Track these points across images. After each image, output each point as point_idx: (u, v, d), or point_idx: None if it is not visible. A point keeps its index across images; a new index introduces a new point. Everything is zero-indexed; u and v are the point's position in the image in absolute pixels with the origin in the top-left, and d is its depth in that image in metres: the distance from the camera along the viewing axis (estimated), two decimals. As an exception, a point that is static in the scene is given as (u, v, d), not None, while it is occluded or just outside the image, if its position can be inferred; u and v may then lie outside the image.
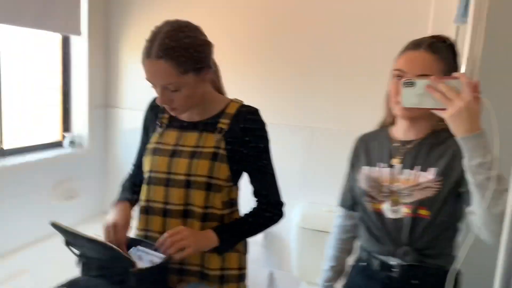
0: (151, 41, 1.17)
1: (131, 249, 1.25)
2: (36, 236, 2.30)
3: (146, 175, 1.33)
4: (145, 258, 1.21)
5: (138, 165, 1.45)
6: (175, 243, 1.17)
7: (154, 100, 1.43)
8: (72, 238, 1.16)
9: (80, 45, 2.60)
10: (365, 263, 1.35)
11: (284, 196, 2.47)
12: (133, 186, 1.44)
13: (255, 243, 2.39)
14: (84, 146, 2.67)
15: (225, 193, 1.32)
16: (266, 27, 2.38)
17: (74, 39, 2.60)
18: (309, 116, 2.36)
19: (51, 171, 2.43)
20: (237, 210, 1.40)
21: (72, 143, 2.60)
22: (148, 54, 1.17)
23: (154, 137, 1.36)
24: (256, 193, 1.38)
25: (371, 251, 1.32)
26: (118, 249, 1.11)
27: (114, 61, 2.76)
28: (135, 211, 1.39)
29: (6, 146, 2.22)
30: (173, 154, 1.30)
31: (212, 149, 1.28)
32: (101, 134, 2.79)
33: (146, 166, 1.33)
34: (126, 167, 1.53)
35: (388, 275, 1.27)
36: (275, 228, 2.42)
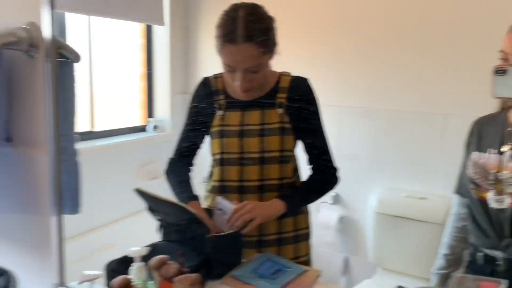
0: (231, 26, 1.18)
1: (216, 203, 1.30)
2: (124, 212, 2.45)
3: (216, 157, 1.38)
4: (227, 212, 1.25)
5: (187, 145, 1.48)
6: (241, 216, 1.20)
7: (204, 82, 1.44)
8: (155, 204, 1.23)
9: (162, 34, 2.72)
10: (471, 258, 1.30)
11: (361, 181, 2.42)
12: (186, 178, 1.45)
13: (331, 227, 2.38)
14: (166, 130, 2.80)
15: (293, 162, 1.40)
16: (344, 5, 2.34)
17: (156, 29, 2.73)
18: (387, 99, 2.27)
19: (137, 153, 2.57)
20: (299, 176, 1.46)
21: (155, 127, 2.74)
22: (232, 39, 1.17)
23: (216, 120, 1.38)
24: (311, 160, 1.41)
25: (477, 245, 1.26)
26: (197, 214, 1.15)
27: (193, 49, 2.86)
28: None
29: (96, 128, 2.39)
30: (242, 134, 1.33)
31: (278, 124, 1.32)
32: (182, 119, 2.89)
33: (215, 149, 1.38)
34: (202, 151, 1.53)
35: (493, 269, 1.19)
36: (351, 213, 2.40)
